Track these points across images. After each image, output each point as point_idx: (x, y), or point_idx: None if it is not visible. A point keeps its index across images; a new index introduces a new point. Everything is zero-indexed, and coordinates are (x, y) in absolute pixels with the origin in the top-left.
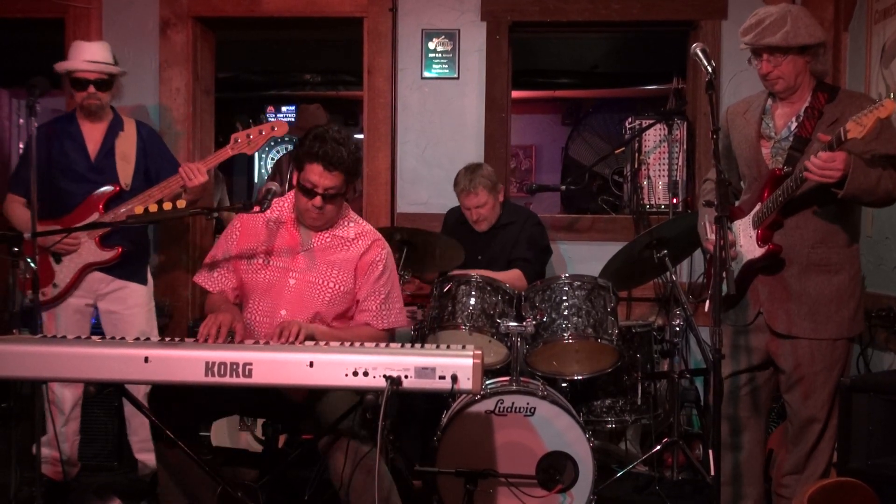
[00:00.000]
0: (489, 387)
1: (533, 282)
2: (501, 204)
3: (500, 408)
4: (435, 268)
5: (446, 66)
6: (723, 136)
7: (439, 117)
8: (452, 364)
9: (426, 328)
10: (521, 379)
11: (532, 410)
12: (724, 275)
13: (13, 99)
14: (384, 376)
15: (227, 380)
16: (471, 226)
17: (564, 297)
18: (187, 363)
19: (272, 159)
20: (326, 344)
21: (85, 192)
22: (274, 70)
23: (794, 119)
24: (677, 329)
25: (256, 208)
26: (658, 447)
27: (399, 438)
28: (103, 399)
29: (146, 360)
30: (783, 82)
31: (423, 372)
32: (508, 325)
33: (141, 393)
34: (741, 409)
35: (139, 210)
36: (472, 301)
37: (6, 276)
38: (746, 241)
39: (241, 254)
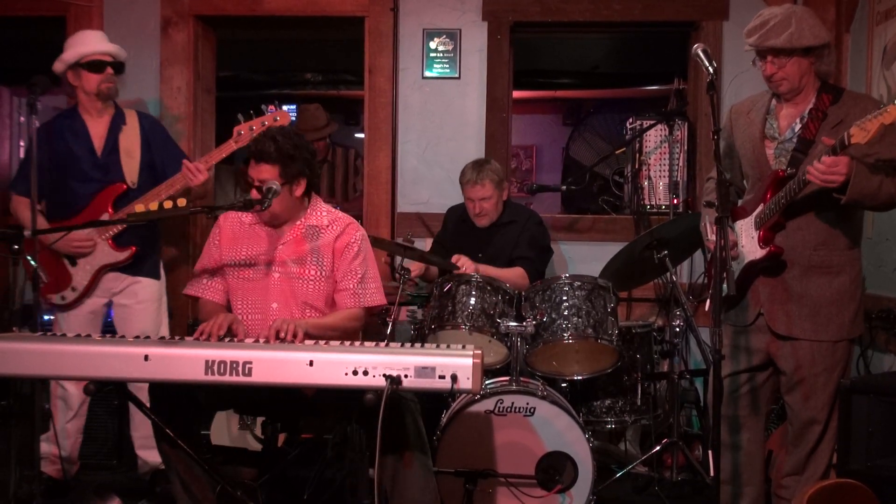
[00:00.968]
0: (489, 387)
1: (534, 281)
2: (504, 202)
3: (499, 408)
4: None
5: (447, 65)
6: (725, 134)
7: (440, 117)
8: (452, 364)
9: (426, 328)
10: (521, 379)
11: (532, 410)
12: (724, 275)
13: (14, 97)
14: (384, 375)
15: (227, 378)
16: (472, 224)
17: (564, 298)
18: (187, 361)
19: None
20: (327, 343)
21: (91, 191)
22: (275, 69)
23: (798, 120)
24: (677, 330)
25: (257, 207)
26: (658, 448)
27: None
28: (103, 397)
29: (146, 358)
30: (787, 84)
31: (422, 371)
32: (508, 325)
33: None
34: (740, 408)
35: (140, 208)
36: (473, 301)
37: (6, 275)
38: (748, 241)
39: (226, 258)
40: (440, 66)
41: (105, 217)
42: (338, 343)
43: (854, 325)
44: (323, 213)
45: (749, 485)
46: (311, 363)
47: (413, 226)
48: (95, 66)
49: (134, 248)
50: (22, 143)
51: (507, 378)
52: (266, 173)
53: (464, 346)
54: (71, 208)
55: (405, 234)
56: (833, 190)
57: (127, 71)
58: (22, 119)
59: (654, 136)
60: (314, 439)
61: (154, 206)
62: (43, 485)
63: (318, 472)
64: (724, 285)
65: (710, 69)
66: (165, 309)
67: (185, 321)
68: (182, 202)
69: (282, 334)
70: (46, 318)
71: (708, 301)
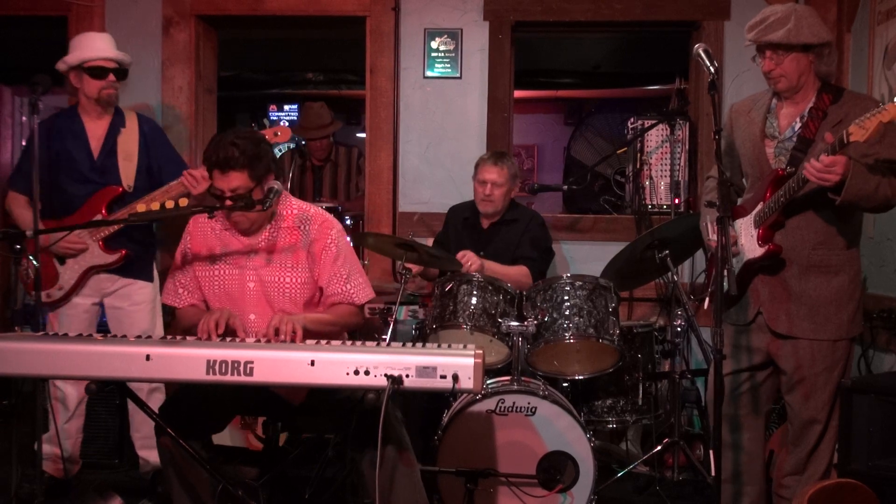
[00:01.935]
0: (490, 386)
1: (536, 282)
2: (510, 201)
3: (501, 407)
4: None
5: (449, 65)
6: (725, 133)
7: (442, 117)
8: (454, 363)
9: (427, 327)
10: (523, 378)
11: (533, 410)
12: (725, 274)
13: (15, 96)
14: (385, 375)
15: (228, 378)
16: (475, 222)
17: (566, 297)
18: (189, 361)
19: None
20: (328, 342)
21: (87, 192)
22: (276, 69)
23: (798, 119)
24: (678, 329)
25: (258, 207)
26: (659, 447)
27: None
28: (105, 396)
29: (147, 357)
30: (785, 81)
31: (424, 371)
32: (510, 325)
33: (145, 390)
34: (741, 407)
35: (141, 208)
36: (474, 300)
37: (8, 274)
38: (748, 240)
39: (198, 265)
40: (441, 65)
41: (99, 218)
42: (339, 342)
43: (853, 324)
44: (294, 211)
45: (750, 484)
46: (312, 363)
47: (414, 225)
48: (98, 72)
49: (124, 252)
50: (24, 142)
51: (508, 378)
52: (236, 181)
53: (465, 346)
54: (65, 209)
55: (407, 233)
56: (829, 189)
57: (129, 71)
58: (24, 118)
59: (656, 136)
60: (315, 439)
61: (156, 205)
62: (44, 484)
63: (319, 471)
64: (725, 283)
65: (712, 69)
66: (160, 310)
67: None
68: (184, 202)
69: (281, 333)
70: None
71: (707, 299)
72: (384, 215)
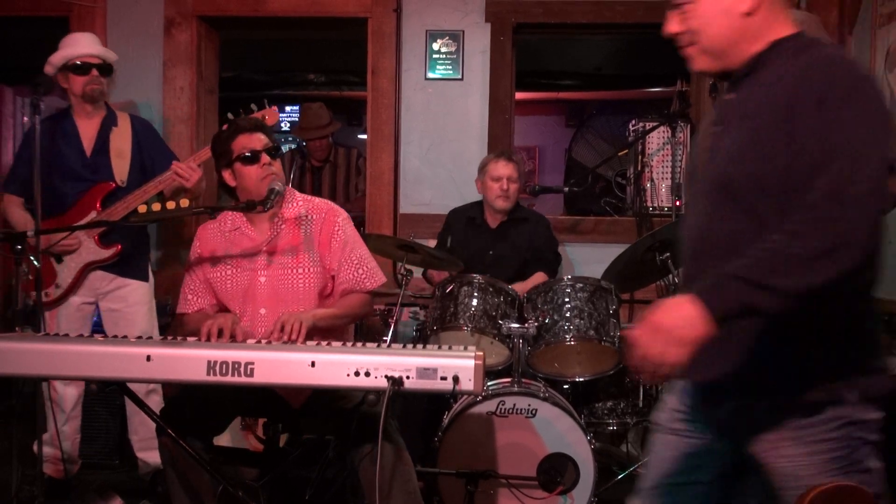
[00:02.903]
0: (491, 388)
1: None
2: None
3: (501, 409)
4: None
5: (450, 67)
6: None
7: (443, 118)
8: (454, 365)
9: (428, 329)
10: (523, 380)
11: (533, 412)
12: None
13: (17, 97)
14: (386, 377)
15: (229, 379)
16: (481, 222)
17: (567, 299)
18: (189, 362)
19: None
20: (329, 343)
21: (80, 190)
22: (278, 70)
23: None
24: None
25: (259, 208)
26: None
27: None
28: (105, 397)
29: (148, 358)
30: None
31: (424, 373)
32: (510, 327)
33: (142, 391)
34: None
35: (142, 209)
36: (475, 302)
37: (10, 275)
38: None
39: (209, 268)
40: (443, 67)
41: (93, 214)
42: (339, 344)
43: None
44: (299, 203)
45: None
46: (312, 364)
47: (415, 227)
48: (80, 68)
49: (119, 247)
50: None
51: (508, 379)
52: (263, 140)
53: (466, 348)
54: (60, 207)
55: (408, 234)
56: None
57: (130, 71)
58: (25, 118)
59: (657, 138)
60: (316, 440)
61: (157, 206)
62: (44, 484)
63: (319, 472)
64: None
65: None
66: (155, 311)
67: None
68: (185, 202)
69: (286, 329)
70: None
71: None
72: (385, 217)
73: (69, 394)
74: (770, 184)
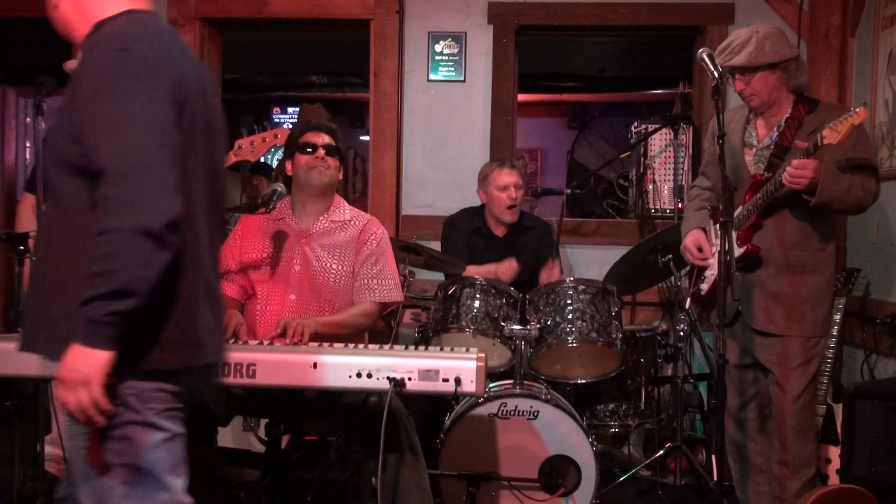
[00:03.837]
0: (492, 390)
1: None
2: None
3: (503, 411)
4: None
5: (453, 68)
6: (708, 143)
7: (445, 120)
8: (456, 367)
9: (430, 331)
10: (525, 382)
11: (535, 414)
12: (709, 277)
13: (20, 98)
14: (388, 378)
15: (231, 380)
16: (487, 230)
17: (569, 301)
18: None
19: (277, 160)
20: (331, 345)
21: None
22: (280, 71)
23: (775, 129)
24: (681, 334)
25: (262, 210)
26: (661, 452)
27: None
28: None
29: None
30: (757, 99)
31: (426, 374)
32: (512, 329)
33: None
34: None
35: None
36: (477, 304)
37: (12, 275)
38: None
39: (247, 252)
40: (445, 69)
41: None
42: (342, 345)
43: (827, 323)
44: (346, 210)
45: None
46: (315, 365)
47: (418, 228)
48: None
49: None
50: (28, 144)
51: (510, 381)
52: (326, 138)
53: (468, 350)
54: None
55: (410, 236)
56: (803, 192)
57: None
58: (28, 120)
59: (659, 140)
60: (318, 441)
61: None
62: (47, 484)
63: (321, 474)
64: (702, 287)
65: (716, 73)
66: None
67: None
68: None
69: (289, 333)
70: None
71: (689, 299)
72: (387, 218)
73: None
74: (74, 169)
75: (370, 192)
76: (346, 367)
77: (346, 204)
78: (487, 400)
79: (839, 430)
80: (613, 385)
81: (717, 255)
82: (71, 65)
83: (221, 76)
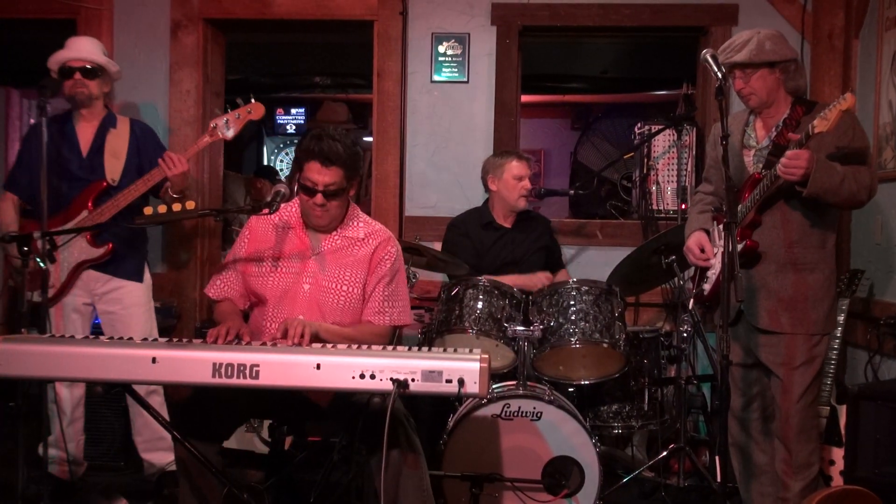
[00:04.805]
0: (496, 391)
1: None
2: None
3: (506, 412)
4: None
5: (456, 69)
6: (710, 148)
7: (449, 121)
8: (459, 368)
9: (433, 331)
10: (528, 383)
11: (538, 415)
12: (706, 277)
13: (24, 99)
14: (391, 379)
15: (234, 381)
16: (497, 226)
17: (572, 302)
18: (195, 364)
19: (281, 161)
20: (334, 346)
21: (76, 189)
22: (284, 72)
23: (773, 129)
24: (685, 335)
25: (265, 210)
26: (664, 453)
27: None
28: (110, 399)
29: (154, 360)
30: (756, 98)
31: (429, 375)
32: (516, 330)
33: (143, 392)
34: (733, 402)
35: (148, 211)
36: (480, 305)
37: (11, 276)
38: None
39: (251, 260)
40: (449, 69)
41: (85, 213)
42: (345, 346)
43: (828, 321)
44: (360, 225)
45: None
46: (318, 366)
47: (421, 229)
48: (65, 72)
49: (111, 245)
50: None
51: (514, 382)
52: (334, 176)
53: (471, 350)
54: (56, 206)
55: (413, 237)
56: (796, 183)
57: (136, 74)
58: (32, 120)
59: (663, 141)
60: (321, 442)
61: (163, 209)
62: (50, 485)
63: (324, 475)
64: (704, 287)
65: (719, 74)
66: (153, 311)
67: (193, 323)
68: (191, 205)
69: (290, 334)
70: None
71: (692, 300)
72: (391, 219)
73: (66, 396)
74: None
75: (373, 193)
76: (349, 369)
77: (362, 215)
78: (491, 401)
79: (843, 432)
80: (617, 386)
81: (719, 255)
82: (56, 59)
83: (224, 77)
